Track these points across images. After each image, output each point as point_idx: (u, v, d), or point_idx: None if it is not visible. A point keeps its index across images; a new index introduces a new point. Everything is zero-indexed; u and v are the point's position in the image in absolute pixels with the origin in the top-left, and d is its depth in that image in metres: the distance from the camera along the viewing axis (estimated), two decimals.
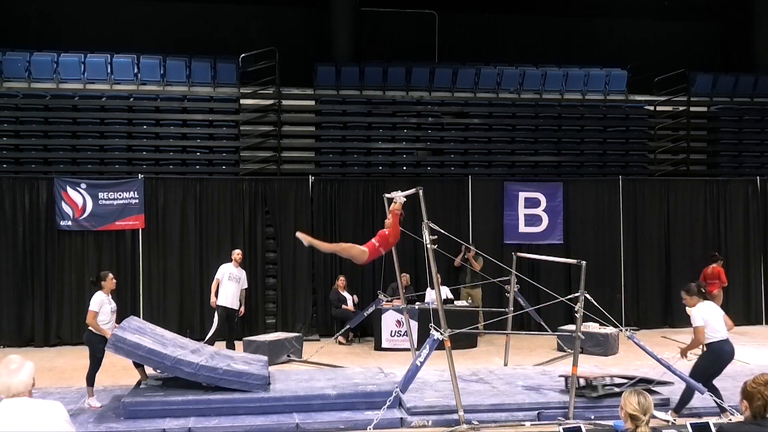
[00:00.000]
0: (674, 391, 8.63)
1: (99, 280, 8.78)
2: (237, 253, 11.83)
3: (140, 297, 13.38)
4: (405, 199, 8.94)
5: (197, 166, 14.66)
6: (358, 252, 8.44)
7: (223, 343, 11.32)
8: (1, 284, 13.14)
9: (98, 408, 8.32)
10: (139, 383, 8.76)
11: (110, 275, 8.90)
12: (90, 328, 8.52)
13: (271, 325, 13.65)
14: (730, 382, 8.26)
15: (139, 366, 8.75)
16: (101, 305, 8.54)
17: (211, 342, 10.89)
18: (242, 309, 11.85)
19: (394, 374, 9.25)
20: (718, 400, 7.74)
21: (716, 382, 7.92)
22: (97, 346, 8.41)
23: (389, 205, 9.90)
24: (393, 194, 9.01)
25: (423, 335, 9.95)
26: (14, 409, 3.42)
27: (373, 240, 8.58)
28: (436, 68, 15.83)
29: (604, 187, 14.98)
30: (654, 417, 4.13)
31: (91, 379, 8.53)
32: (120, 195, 13.40)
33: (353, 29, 16.57)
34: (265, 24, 17.16)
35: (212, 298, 11.57)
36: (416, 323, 11.54)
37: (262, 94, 15.00)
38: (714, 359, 7.86)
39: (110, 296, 8.77)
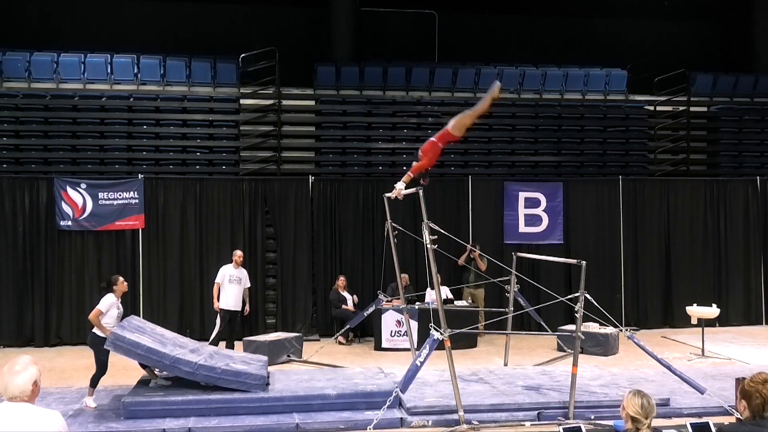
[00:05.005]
0: (674, 391, 8.65)
1: (110, 285, 8.77)
2: (238, 255, 11.77)
3: (140, 297, 13.36)
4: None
5: (197, 166, 14.66)
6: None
7: (224, 344, 11.34)
8: (1, 284, 13.13)
9: (92, 408, 8.32)
10: (140, 382, 8.75)
11: (121, 279, 8.88)
12: (94, 330, 8.52)
13: (271, 325, 13.64)
14: (730, 382, 8.25)
15: (146, 365, 8.75)
16: (109, 308, 8.53)
17: (214, 344, 10.88)
18: (247, 308, 11.85)
19: (394, 374, 9.25)
20: None
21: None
22: (101, 348, 8.39)
23: (389, 206, 9.95)
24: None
25: (423, 335, 9.95)
26: (11, 414, 3.36)
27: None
28: (436, 68, 15.81)
29: (604, 187, 14.97)
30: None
31: (94, 382, 8.54)
32: (120, 195, 13.39)
33: (353, 29, 16.57)
34: (265, 24, 17.15)
35: (215, 303, 11.55)
36: (416, 323, 11.54)
37: (262, 94, 14.99)
38: None
39: (119, 301, 8.76)
